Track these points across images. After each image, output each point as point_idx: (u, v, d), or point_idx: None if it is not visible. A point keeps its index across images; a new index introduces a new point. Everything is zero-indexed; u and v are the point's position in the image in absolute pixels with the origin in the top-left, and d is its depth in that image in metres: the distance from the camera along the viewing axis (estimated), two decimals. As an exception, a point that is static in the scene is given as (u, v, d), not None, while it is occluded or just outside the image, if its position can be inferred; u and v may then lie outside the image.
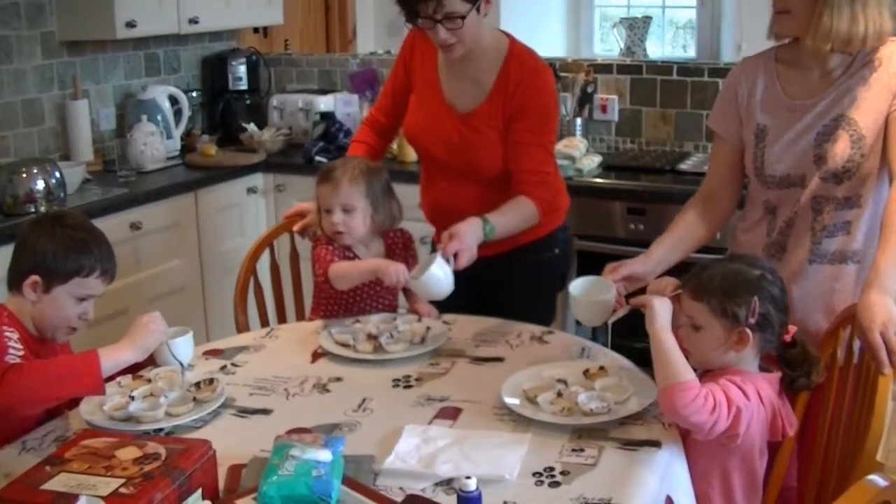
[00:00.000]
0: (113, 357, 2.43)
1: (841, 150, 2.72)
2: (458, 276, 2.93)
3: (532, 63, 3.24)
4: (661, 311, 2.42)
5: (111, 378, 2.51)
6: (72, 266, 2.58)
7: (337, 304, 3.21)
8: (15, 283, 2.60)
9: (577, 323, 4.12)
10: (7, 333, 2.45)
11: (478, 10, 3.07)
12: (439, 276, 2.88)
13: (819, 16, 2.62)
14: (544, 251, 3.41)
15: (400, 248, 3.26)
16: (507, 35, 3.28)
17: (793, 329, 2.49)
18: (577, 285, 2.78)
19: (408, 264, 3.17)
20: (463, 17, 3.04)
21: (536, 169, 3.21)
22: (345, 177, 3.09)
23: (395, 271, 2.98)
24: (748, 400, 2.34)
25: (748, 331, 2.41)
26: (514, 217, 3.16)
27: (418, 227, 3.64)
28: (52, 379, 2.32)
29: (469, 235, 2.97)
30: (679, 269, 2.78)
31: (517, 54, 3.24)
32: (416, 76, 3.39)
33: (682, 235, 2.94)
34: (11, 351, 2.40)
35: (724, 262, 2.54)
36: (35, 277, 2.56)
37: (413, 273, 2.97)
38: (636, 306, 2.57)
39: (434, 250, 3.14)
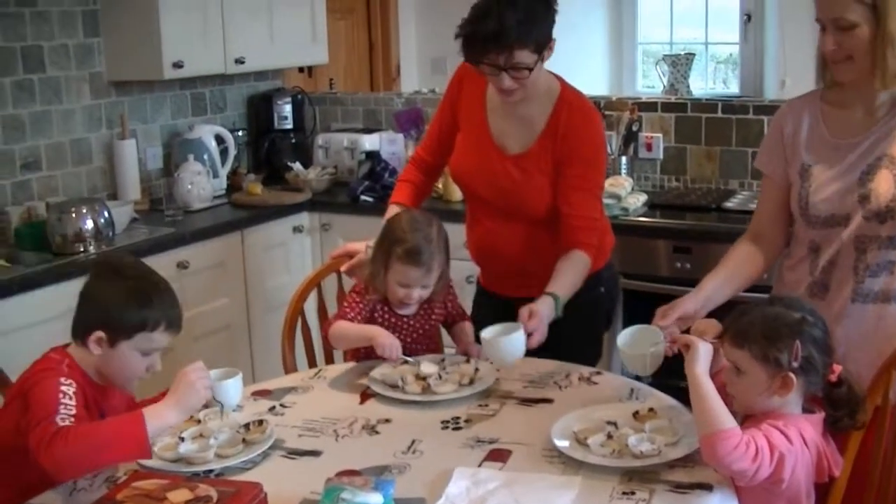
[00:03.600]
0: (159, 420, 2.39)
1: (885, 189, 2.70)
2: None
3: (583, 108, 3.25)
4: (702, 355, 2.39)
5: None
6: (135, 321, 2.53)
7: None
8: (80, 335, 2.57)
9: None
10: (63, 388, 2.41)
11: (542, 59, 3.09)
12: (518, 346, 2.87)
13: (883, 57, 2.60)
14: (590, 290, 3.38)
15: (439, 297, 3.26)
16: (559, 78, 3.28)
17: (838, 368, 2.46)
18: (624, 337, 2.77)
19: (445, 307, 3.23)
20: (530, 69, 3.06)
21: (586, 214, 3.21)
22: (433, 260, 3.07)
23: (390, 346, 2.98)
24: (791, 444, 2.31)
25: (792, 375, 2.37)
26: (576, 279, 3.15)
27: (464, 266, 3.65)
28: (98, 446, 2.30)
29: (548, 317, 2.97)
30: (723, 308, 2.77)
31: (568, 99, 3.24)
32: (462, 115, 3.40)
33: (732, 272, 2.92)
34: (63, 410, 2.35)
35: (763, 305, 2.50)
36: (99, 333, 2.52)
37: (489, 334, 2.93)
38: (680, 344, 2.55)
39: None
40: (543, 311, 2.96)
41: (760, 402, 2.42)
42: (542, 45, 3.07)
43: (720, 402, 2.32)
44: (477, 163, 3.34)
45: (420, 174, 3.58)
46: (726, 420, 2.28)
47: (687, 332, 2.66)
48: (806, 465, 2.37)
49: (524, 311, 2.95)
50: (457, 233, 3.52)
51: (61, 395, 2.39)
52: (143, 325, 2.54)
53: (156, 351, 2.61)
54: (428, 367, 2.98)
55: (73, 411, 2.37)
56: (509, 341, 2.87)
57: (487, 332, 2.92)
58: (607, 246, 3.46)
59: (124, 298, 2.54)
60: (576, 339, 3.28)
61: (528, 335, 2.90)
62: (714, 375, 2.60)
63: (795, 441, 2.32)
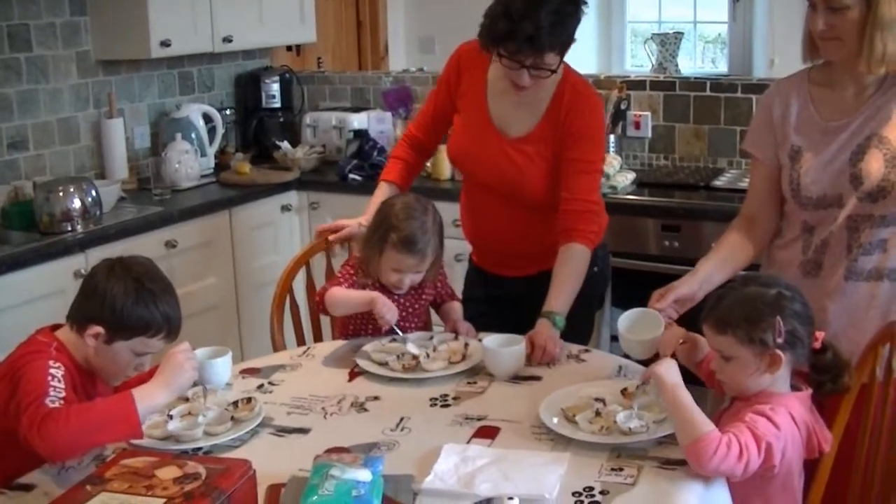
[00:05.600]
0: (148, 401, 2.40)
1: (876, 168, 2.71)
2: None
3: (585, 92, 3.26)
4: (666, 375, 2.37)
5: None
6: (138, 325, 2.53)
7: (354, 321, 3.23)
8: (77, 323, 2.55)
9: (613, 339, 4.12)
10: (52, 371, 2.41)
11: (562, 57, 3.10)
12: (517, 360, 2.87)
13: (871, 40, 2.61)
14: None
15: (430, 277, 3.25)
16: (563, 62, 3.27)
17: (821, 335, 2.46)
18: (624, 320, 2.77)
19: (436, 287, 3.25)
20: (553, 70, 3.07)
21: (584, 198, 3.19)
22: (427, 247, 3.06)
23: (387, 309, 2.99)
24: (779, 430, 2.31)
25: (779, 352, 2.38)
26: (575, 285, 3.13)
27: (453, 244, 3.65)
28: (89, 427, 2.30)
29: (554, 337, 2.98)
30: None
31: (572, 82, 3.24)
32: (461, 98, 3.39)
33: (727, 256, 2.92)
34: (52, 393, 2.35)
35: (738, 288, 2.49)
36: (98, 328, 2.51)
37: (491, 343, 2.92)
38: (644, 380, 2.54)
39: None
40: (548, 342, 2.94)
41: (751, 382, 2.42)
42: (567, 45, 3.07)
43: (695, 408, 2.30)
44: (476, 146, 3.32)
45: (412, 152, 3.58)
46: (703, 425, 2.26)
47: (696, 311, 2.67)
48: (797, 444, 2.38)
49: (528, 344, 2.94)
50: (445, 211, 3.52)
51: (50, 378, 2.39)
52: (144, 329, 2.54)
53: (149, 354, 2.62)
54: (413, 347, 2.98)
55: (63, 394, 2.37)
56: (510, 354, 2.87)
57: (490, 342, 2.92)
58: (602, 226, 3.45)
59: (132, 301, 2.52)
60: (568, 319, 3.29)
61: (533, 352, 2.93)
62: (699, 364, 2.62)
63: (784, 424, 2.32)
